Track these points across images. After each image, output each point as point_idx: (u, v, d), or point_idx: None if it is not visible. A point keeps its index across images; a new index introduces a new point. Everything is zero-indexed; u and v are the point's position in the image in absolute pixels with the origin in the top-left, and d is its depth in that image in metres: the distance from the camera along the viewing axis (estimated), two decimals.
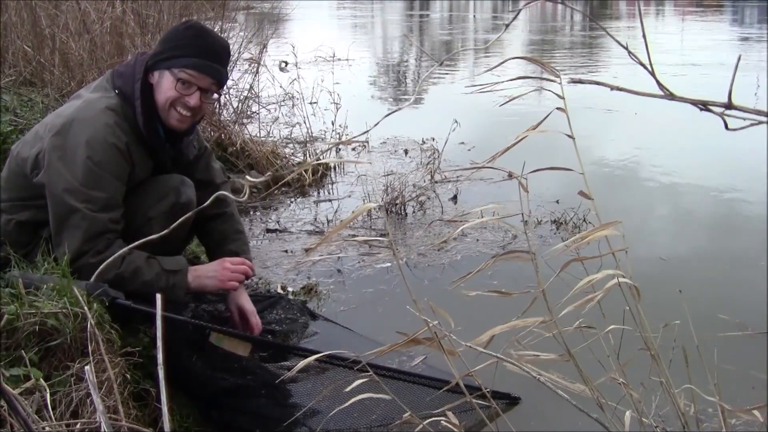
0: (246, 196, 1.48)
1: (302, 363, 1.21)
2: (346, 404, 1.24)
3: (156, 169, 2.18)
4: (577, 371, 1.21)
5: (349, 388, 1.19)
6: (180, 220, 1.61)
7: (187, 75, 2.05)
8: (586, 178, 1.17)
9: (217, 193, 1.48)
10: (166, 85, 2.06)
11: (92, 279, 1.87)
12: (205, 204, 1.64)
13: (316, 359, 2.18)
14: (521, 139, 1.08)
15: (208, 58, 2.07)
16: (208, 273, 2.11)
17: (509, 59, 1.14)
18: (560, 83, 1.02)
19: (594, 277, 1.04)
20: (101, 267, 1.88)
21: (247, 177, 1.06)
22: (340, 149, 5.26)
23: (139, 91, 2.05)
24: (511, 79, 1.14)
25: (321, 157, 4.68)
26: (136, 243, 1.92)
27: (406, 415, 1.26)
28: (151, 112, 2.07)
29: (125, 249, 1.89)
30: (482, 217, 1.19)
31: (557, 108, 1.09)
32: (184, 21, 2.18)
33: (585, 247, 1.14)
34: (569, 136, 1.11)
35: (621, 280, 1.06)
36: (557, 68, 1.08)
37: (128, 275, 1.96)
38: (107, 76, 2.14)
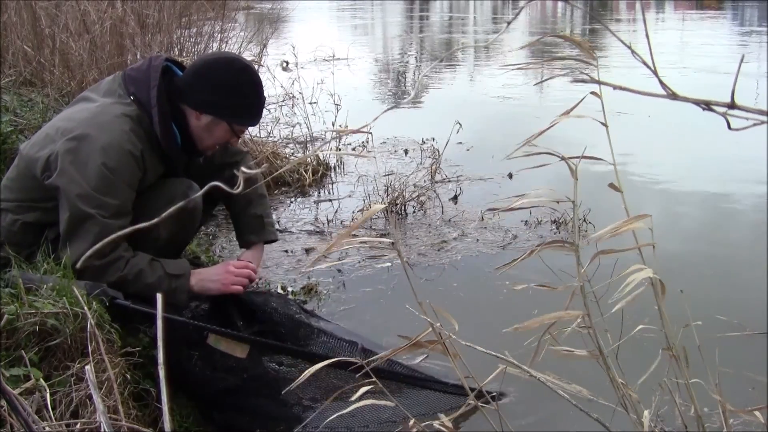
0: (240, 187, 1.45)
1: (308, 372, 1.20)
2: (347, 410, 1.24)
3: (166, 175, 2.18)
4: (588, 372, 1.21)
5: (354, 397, 1.18)
6: (169, 210, 1.58)
7: (243, 129, 2.27)
8: (580, 176, 1.17)
9: (211, 184, 1.48)
10: (219, 133, 2.16)
11: (82, 260, 1.85)
12: (202, 191, 1.62)
13: (318, 361, 2.20)
14: (555, 124, 1.07)
15: (260, 112, 2.23)
16: (211, 277, 2.12)
17: (546, 35, 1.13)
18: (596, 66, 1.01)
19: (636, 276, 1.03)
20: (90, 251, 1.85)
21: (242, 168, 1.05)
22: (339, 149, 5.27)
23: (156, 98, 2.05)
24: (548, 60, 1.14)
25: (320, 150, 4.68)
26: (127, 231, 1.87)
27: (412, 422, 1.26)
28: (167, 120, 2.08)
29: (112, 237, 1.84)
30: (524, 200, 1.18)
31: (591, 92, 1.09)
32: (237, 65, 2.15)
33: (608, 242, 1.13)
34: (603, 123, 1.10)
35: (653, 276, 1.05)
36: (559, 67, 1.07)
37: (131, 278, 1.96)
38: (119, 80, 2.12)
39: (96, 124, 2.00)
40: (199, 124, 2.12)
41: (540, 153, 1.10)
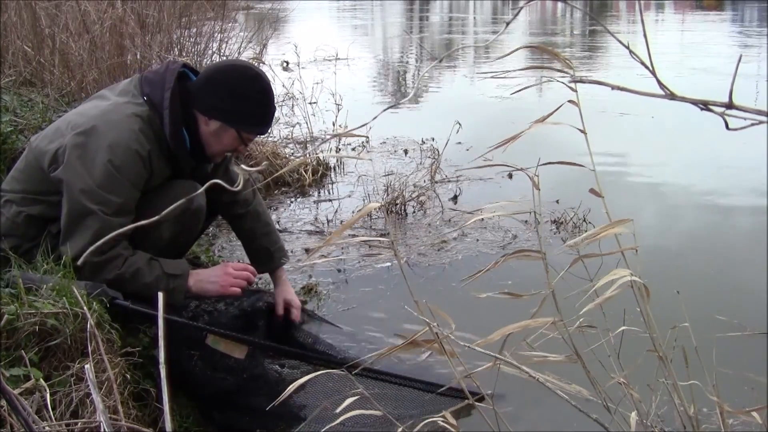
0: (240, 185, 1.45)
1: (295, 384, 1.20)
2: (337, 421, 1.24)
3: (173, 178, 2.19)
4: (584, 372, 1.21)
5: (339, 408, 1.18)
6: (172, 207, 1.59)
7: (252, 137, 2.22)
8: (580, 176, 1.17)
9: (210, 182, 1.46)
10: (227, 140, 2.15)
11: (82, 259, 1.87)
12: (203, 188, 1.61)
13: (314, 362, 2.21)
14: (528, 129, 1.07)
15: (270, 121, 2.22)
16: (210, 278, 2.12)
17: (523, 47, 1.13)
18: (573, 75, 1.01)
19: (612, 278, 1.03)
20: (92, 248, 1.87)
21: (242, 166, 1.05)
22: (339, 149, 5.27)
23: (168, 100, 2.05)
24: (523, 68, 1.13)
25: (319, 151, 4.68)
26: (128, 228, 1.89)
27: (399, 430, 1.26)
28: (178, 123, 2.08)
29: (113, 234, 1.85)
30: (493, 212, 1.19)
31: (569, 101, 1.08)
32: (249, 72, 2.14)
33: (586, 247, 1.14)
34: (581, 130, 1.10)
35: (633, 279, 1.05)
36: (561, 66, 1.07)
37: (128, 276, 1.96)
38: (135, 82, 2.14)
39: (106, 121, 2.01)
40: (207, 130, 2.12)
41: (494, 165, 1.10)
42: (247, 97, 2.11)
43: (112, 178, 1.96)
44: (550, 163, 1.18)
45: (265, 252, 2.45)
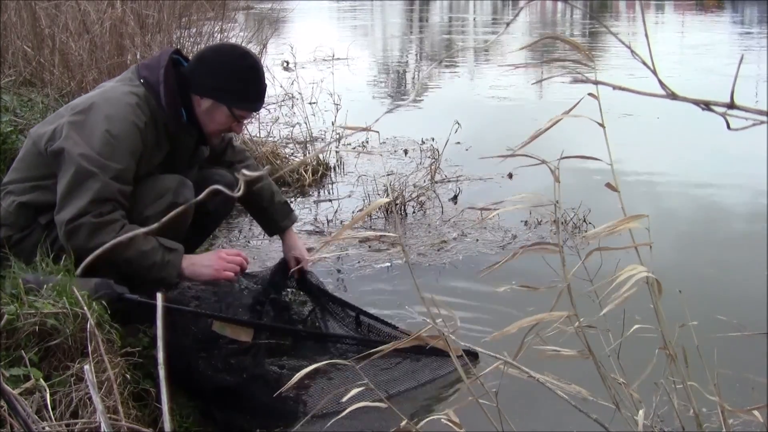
0: (241, 191, 1.43)
1: (300, 374, 1.20)
2: (343, 414, 1.24)
3: (170, 156, 2.22)
4: (587, 371, 1.20)
5: (345, 399, 1.19)
6: (172, 213, 1.60)
7: (244, 114, 2.27)
8: (579, 177, 1.17)
9: (211, 188, 1.47)
10: (221, 118, 2.20)
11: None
12: (202, 195, 1.61)
13: (327, 339, 2.23)
14: (555, 123, 1.07)
15: (261, 98, 2.27)
16: (203, 262, 2.16)
17: (545, 38, 1.13)
18: (594, 68, 1.02)
19: (629, 273, 1.03)
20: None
21: (243, 171, 1.05)
22: (339, 150, 5.26)
23: (163, 76, 2.11)
24: (546, 61, 1.14)
25: (324, 149, 4.67)
26: (130, 234, 1.91)
27: (403, 423, 1.26)
28: (174, 95, 2.13)
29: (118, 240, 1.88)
30: (512, 205, 1.19)
31: (589, 94, 1.09)
32: (238, 50, 2.29)
33: (589, 244, 1.14)
34: (600, 124, 1.11)
35: (648, 275, 1.05)
36: (557, 67, 1.08)
37: (126, 241, 1.97)
38: (133, 69, 2.22)
39: (103, 98, 2.09)
40: (201, 109, 2.19)
41: (518, 155, 1.10)
42: (236, 74, 2.17)
43: (111, 145, 2.01)
44: (569, 157, 1.18)
45: (285, 206, 2.55)
